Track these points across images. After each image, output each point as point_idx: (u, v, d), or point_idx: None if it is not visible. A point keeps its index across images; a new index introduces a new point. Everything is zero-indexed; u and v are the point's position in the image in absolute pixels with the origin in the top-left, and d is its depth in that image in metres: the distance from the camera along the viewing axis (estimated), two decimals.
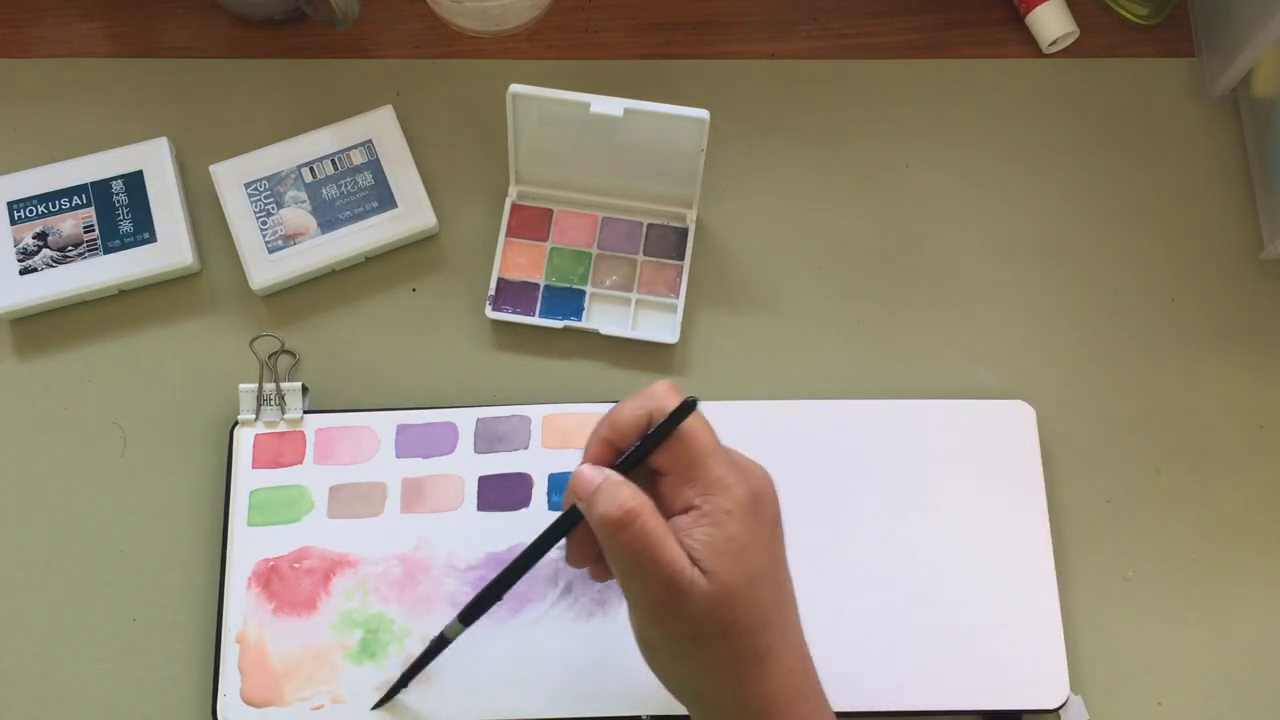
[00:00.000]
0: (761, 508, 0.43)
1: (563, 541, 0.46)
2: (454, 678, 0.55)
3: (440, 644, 0.52)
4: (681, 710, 0.55)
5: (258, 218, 0.62)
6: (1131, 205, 0.65)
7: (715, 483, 0.42)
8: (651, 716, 0.55)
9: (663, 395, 0.43)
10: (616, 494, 0.41)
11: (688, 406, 0.43)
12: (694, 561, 0.41)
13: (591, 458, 0.44)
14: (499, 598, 0.48)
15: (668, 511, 0.43)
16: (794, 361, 0.62)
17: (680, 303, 0.62)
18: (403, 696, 0.55)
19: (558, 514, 0.59)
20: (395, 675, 0.55)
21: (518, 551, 0.57)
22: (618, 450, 0.44)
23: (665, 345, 0.62)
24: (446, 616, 0.56)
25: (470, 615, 0.49)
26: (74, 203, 0.62)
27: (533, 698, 0.55)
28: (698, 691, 0.45)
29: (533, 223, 0.63)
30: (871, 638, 0.56)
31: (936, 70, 0.67)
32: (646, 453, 0.43)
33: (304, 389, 0.60)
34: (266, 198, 0.62)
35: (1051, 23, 0.66)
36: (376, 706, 0.55)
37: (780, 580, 0.44)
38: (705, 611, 0.41)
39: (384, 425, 0.59)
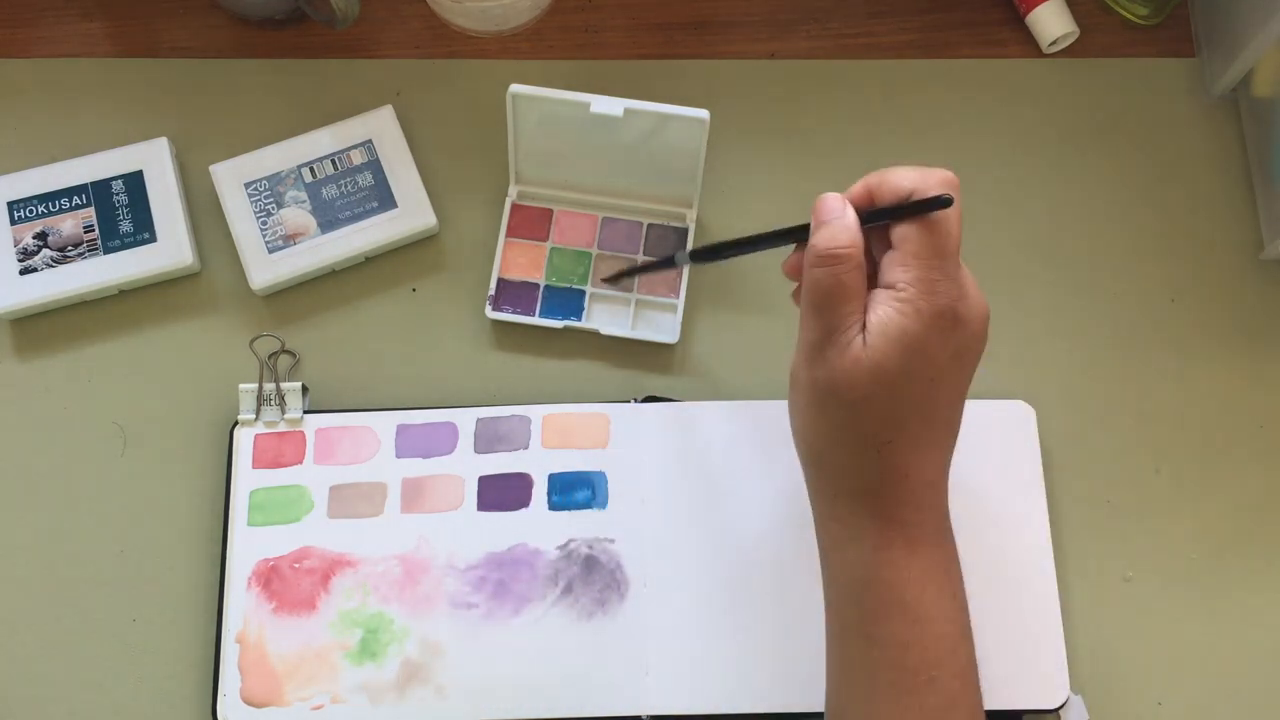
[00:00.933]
0: (956, 332, 0.43)
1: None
2: (454, 678, 0.55)
3: (667, 263, 0.55)
4: (681, 711, 0.55)
5: (258, 218, 0.62)
6: (1131, 206, 0.65)
7: (928, 281, 0.43)
8: (651, 716, 0.55)
9: (937, 178, 0.44)
10: (837, 233, 0.43)
11: (942, 201, 0.43)
12: (864, 327, 0.42)
13: (850, 195, 0.45)
14: (728, 256, 0.52)
15: (880, 280, 0.44)
16: None
17: (680, 303, 0.62)
18: (403, 698, 0.55)
19: (559, 512, 0.59)
20: (394, 675, 0.55)
21: (518, 552, 0.57)
22: (873, 201, 0.45)
23: (665, 345, 0.62)
24: (447, 616, 0.56)
25: (701, 255, 0.53)
26: (74, 203, 0.62)
27: (533, 698, 0.55)
28: (816, 447, 0.46)
29: (533, 223, 0.63)
30: None
31: (936, 70, 0.67)
32: (886, 217, 0.44)
33: (304, 389, 0.60)
34: (266, 198, 0.62)
35: (1051, 23, 0.66)
36: (602, 282, 0.61)
37: (932, 400, 0.44)
38: (846, 373, 0.42)
39: (384, 425, 0.59)
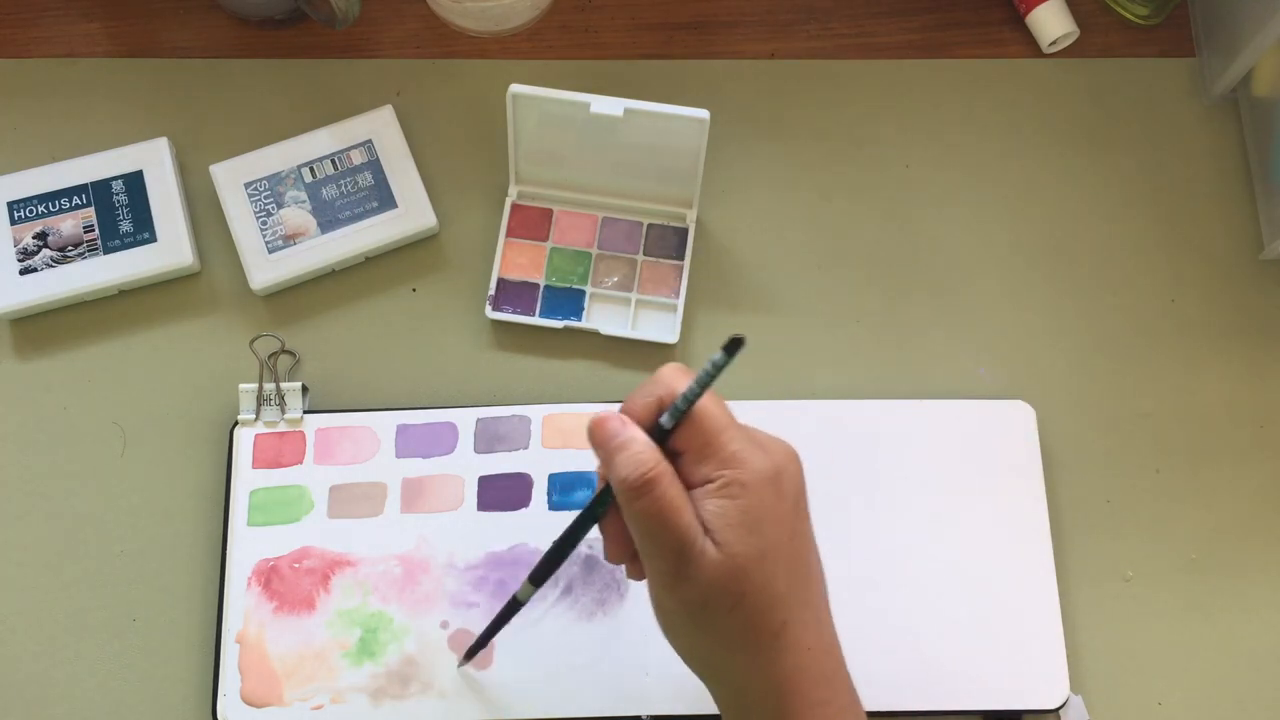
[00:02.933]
0: (782, 482, 0.43)
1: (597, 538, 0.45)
2: (454, 678, 0.55)
3: (514, 606, 0.51)
4: (681, 711, 0.55)
5: (258, 218, 0.62)
6: (1131, 206, 0.65)
7: (731, 457, 0.42)
8: (651, 716, 0.55)
9: (671, 378, 0.43)
10: (638, 457, 0.41)
11: (737, 342, 0.42)
12: (707, 531, 0.41)
13: (627, 412, 0.43)
14: (564, 558, 0.47)
15: (687, 482, 0.42)
16: (794, 361, 0.62)
17: (680, 303, 0.62)
18: (403, 698, 0.55)
19: (559, 512, 0.59)
20: (393, 674, 0.55)
21: (518, 552, 0.58)
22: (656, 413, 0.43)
23: (665, 345, 0.62)
24: (447, 616, 0.56)
25: (540, 577, 0.48)
26: (74, 203, 0.62)
27: (533, 698, 0.55)
28: (711, 664, 0.45)
29: (533, 223, 0.63)
30: (871, 638, 0.56)
31: (936, 70, 0.67)
32: (685, 407, 0.42)
33: (304, 389, 0.60)
34: (266, 198, 0.62)
35: (1051, 23, 0.66)
36: (461, 665, 0.55)
37: (800, 557, 0.44)
38: (715, 581, 0.41)
39: (384, 425, 0.59)
